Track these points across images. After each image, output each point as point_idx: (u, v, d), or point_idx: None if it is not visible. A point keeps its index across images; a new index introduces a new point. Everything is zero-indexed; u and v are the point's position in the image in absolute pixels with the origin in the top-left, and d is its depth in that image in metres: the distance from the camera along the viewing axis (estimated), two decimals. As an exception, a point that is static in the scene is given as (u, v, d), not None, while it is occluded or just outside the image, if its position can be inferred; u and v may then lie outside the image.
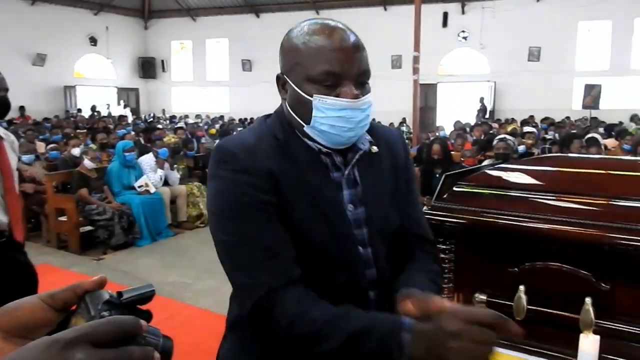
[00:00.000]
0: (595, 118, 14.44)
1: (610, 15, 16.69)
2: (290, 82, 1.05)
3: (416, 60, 7.90)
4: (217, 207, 1.03)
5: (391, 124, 16.57)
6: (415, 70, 7.97)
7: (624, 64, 16.93)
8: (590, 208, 1.36)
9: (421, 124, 15.27)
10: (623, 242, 1.27)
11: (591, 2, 16.15)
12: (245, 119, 17.28)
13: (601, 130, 10.29)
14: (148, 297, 0.55)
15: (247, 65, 20.00)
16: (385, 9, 18.39)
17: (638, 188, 1.39)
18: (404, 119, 16.13)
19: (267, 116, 1.15)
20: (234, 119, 17.32)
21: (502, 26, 16.96)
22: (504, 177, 1.60)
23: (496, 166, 1.71)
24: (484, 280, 1.55)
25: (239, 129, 13.08)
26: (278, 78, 1.09)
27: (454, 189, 1.60)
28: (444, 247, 1.62)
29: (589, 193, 1.40)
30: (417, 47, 7.93)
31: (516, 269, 1.47)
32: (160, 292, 4.14)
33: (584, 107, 14.95)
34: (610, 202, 1.34)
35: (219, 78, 20.95)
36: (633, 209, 1.30)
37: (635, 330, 1.28)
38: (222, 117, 18.24)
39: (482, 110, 16.69)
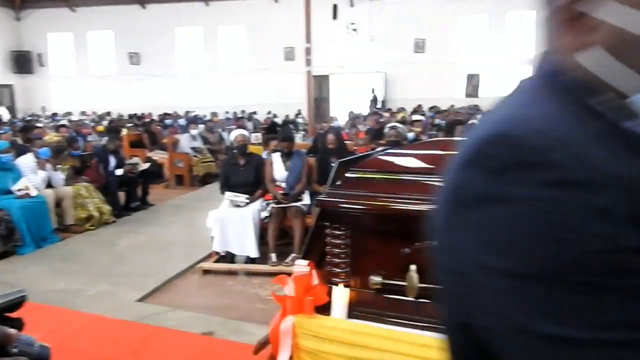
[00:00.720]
0: (477, 106, 15.49)
1: (485, 9, 17.92)
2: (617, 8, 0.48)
3: (308, 51, 7.98)
4: (519, 262, 0.45)
5: (287, 115, 16.66)
6: (308, 62, 8.06)
7: (499, 55, 18.26)
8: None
9: (316, 114, 15.46)
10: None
11: (466, -5, 17.24)
12: (136, 114, 16.52)
13: (480, 116, 11.02)
14: (17, 303, 0.51)
15: (134, 58, 19.07)
16: (276, 1, 18.37)
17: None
18: (300, 110, 16.26)
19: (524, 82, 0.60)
20: (122, 115, 16.49)
21: (389, 19, 17.61)
22: (395, 162, 1.65)
23: (387, 151, 1.77)
24: (379, 263, 1.60)
25: (129, 125, 12.48)
26: (567, 9, 0.51)
27: (347, 175, 1.63)
28: (339, 232, 1.65)
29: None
30: (308, 38, 8.01)
31: (407, 249, 1.52)
32: (47, 300, 3.88)
33: (467, 95, 16.00)
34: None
35: (104, 72, 19.79)
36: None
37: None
38: (109, 113, 17.29)
39: (374, 100, 17.28)
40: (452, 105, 16.11)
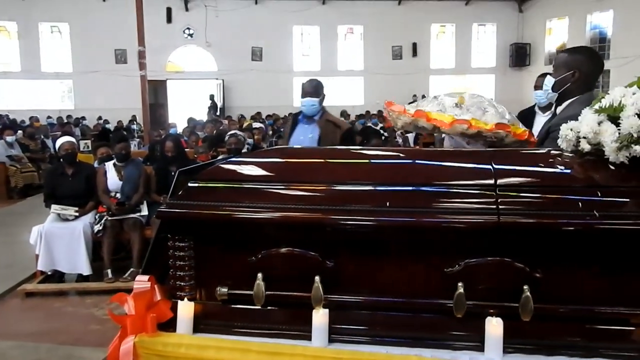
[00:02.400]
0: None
1: (318, 21, 18.76)
2: None
3: (142, 55, 7.61)
4: None
5: (119, 121, 15.69)
6: (142, 66, 7.68)
7: (331, 66, 19.24)
8: (313, 194, 1.49)
9: (152, 121, 14.81)
10: (342, 222, 1.43)
11: (302, 8, 17.88)
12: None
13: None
14: None
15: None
16: (104, 0, 17.23)
17: (352, 173, 1.58)
18: (134, 116, 15.42)
19: None
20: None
21: (225, 25, 17.55)
22: (236, 170, 1.64)
23: (228, 160, 1.75)
24: (225, 273, 1.57)
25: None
26: None
27: (188, 185, 1.58)
28: (182, 244, 1.59)
29: (312, 180, 1.54)
30: (141, 41, 7.63)
31: (253, 258, 1.52)
32: None
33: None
34: (330, 187, 1.49)
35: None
36: (349, 192, 1.48)
37: (357, 299, 1.46)
38: None
39: (213, 107, 17.06)
40: (290, 113, 16.55)
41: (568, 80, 2.23)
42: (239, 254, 1.54)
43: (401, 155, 1.70)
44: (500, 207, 1.35)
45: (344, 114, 17.38)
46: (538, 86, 3.66)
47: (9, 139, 8.88)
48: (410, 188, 1.45)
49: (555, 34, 19.59)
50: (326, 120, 3.66)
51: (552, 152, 1.55)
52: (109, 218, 4.42)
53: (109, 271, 4.32)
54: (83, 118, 16.36)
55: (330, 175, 1.57)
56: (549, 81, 2.30)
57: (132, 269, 4.31)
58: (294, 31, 19.02)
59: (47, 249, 4.27)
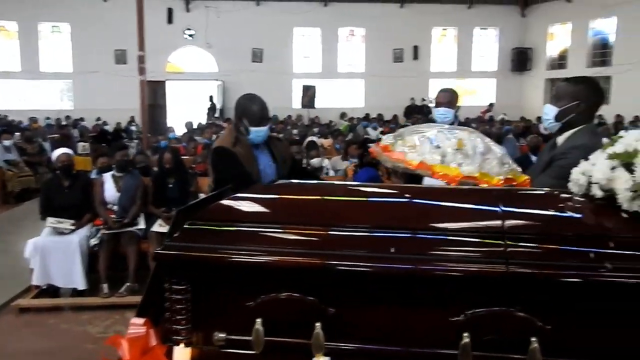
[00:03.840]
0: (317, 117, 16.13)
1: (319, 23, 18.71)
2: None
3: (141, 60, 7.55)
4: None
5: (118, 123, 15.63)
6: (142, 71, 7.62)
7: (332, 68, 19.20)
8: (312, 238, 1.45)
9: (151, 121, 14.77)
10: (341, 267, 1.38)
11: (302, 10, 17.83)
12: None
13: (316, 130, 11.47)
14: None
15: None
16: (105, 0, 17.17)
17: (352, 215, 1.53)
18: (133, 117, 15.38)
19: None
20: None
21: (226, 26, 17.49)
22: (236, 210, 1.59)
23: (231, 196, 1.69)
24: (223, 318, 1.52)
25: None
26: None
27: (186, 226, 1.53)
28: (180, 287, 1.54)
29: (311, 222, 1.49)
30: (141, 46, 7.57)
31: (252, 302, 1.47)
32: None
33: (303, 106, 16.50)
34: (329, 231, 1.44)
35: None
36: (349, 237, 1.43)
37: (359, 346, 1.41)
38: None
39: (212, 108, 17.00)
40: (289, 116, 16.51)
41: (572, 111, 2.24)
42: (237, 298, 1.49)
43: (406, 194, 1.65)
44: (509, 256, 1.30)
45: (344, 116, 17.34)
46: (440, 103, 3.31)
47: (6, 142, 8.82)
48: (414, 234, 1.40)
49: (557, 40, 19.54)
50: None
51: (562, 195, 1.50)
52: (106, 232, 4.37)
53: (105, 286, 4.27)
54: (81, 119, 16.30)
55: (330, 217, 1.52)
56: (551, 110, 2.30)
57: (127, 284, 4.26)
58: (295, 33, 18.96)
59: (42, 264, 4.21)
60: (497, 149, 2.04)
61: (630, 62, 15.91)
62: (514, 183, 1.94)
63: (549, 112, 2.31)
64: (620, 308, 1.28)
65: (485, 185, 1.89)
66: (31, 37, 17.30)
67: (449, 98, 3.30)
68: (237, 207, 1.60)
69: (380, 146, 2.22)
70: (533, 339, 1.29)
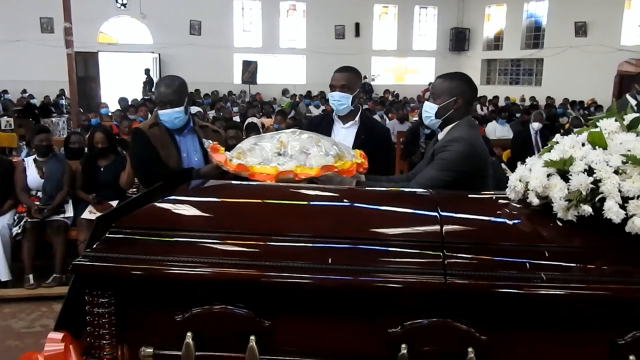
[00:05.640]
0: (258, 93, 15.84)
1: (259, -4, 18.26)
2: None
3: (68, 32, 7.09)
4: None
5: (46, 96, 14.78)
6: (69, 43, 7.15)
7: (273, 43, 18.88)
8: (247, 249, 1.38)
9: (83, 95, 14.05)
10: (278, 279, 1.32)
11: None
12: None
13: (258, 107, 11.25)
14: None
15: None
16: (28, -36, 15.99)
17: (292, 223, 1.46)
18: (62, 90, 14.55)
19: None
20: None
21: (162, -4, 16.78)
22: (163, 216, 1.49)
23: (160, 199, 1.58)
24: (150, 332, 1.43)
25: None
26: None
27: (107, 235, 1.42)
28: (102, 300, 1.43)
29: (246, 231, 1.42)
30: (67, 16, 7.09)
31: (182, 316, 1.39)
32: None
33: (244, 81, 16.18)
34: (267, 242, 1.38)
35: None
36: (286, 247, 1.37)
37: (294, 360, 1.37)
38: None
39: (149, 82, 16.35)
40: (230, 92, 16.14)
41: (451, 107, 2.33)
42: (166, 311, 1.40)
43: (345, 199, 1.60)
44: (447, 268, 1.28)
45: (286, 92, 17.14)
46: (334, 86, 2.79)
47: None
48: (352, 245, 1.36)
49: (494, 21, 20.03)
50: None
51: (500, 200, 1.49)
52: (29, 220, 4.10)
53: (31, 276, 4.03)
54: (5, 92, 15.26)
55: (266, 225, 1.45)
56: (431, 107, 2.37)
57: (55, 275, 4.04)
58: (235, 5, 18.44)
59: (-42, 253, 3.92)
60: (325, 143, 2.09)
61: (560, 46, 16.56)
62: (335, 170, 2.01)
63: (430, 109, 2.38)
64: (554, 319, 1.29)
65: (302, 177, 1.94)
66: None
67: (345, 80, 2.76)
68: (166, 213, 1.50)
69: (211, 147, 2.21)
70: (470, 349, 1.29)
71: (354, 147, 2.44)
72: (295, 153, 2.02)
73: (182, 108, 2.70)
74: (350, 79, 2.77)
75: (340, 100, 2.73)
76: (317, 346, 1.37)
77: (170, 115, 2.68)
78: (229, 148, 2.26)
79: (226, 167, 2.07)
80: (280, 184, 1.90)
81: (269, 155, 2.02)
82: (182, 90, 2.75)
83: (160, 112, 2.72)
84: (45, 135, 4.43)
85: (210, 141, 2.24)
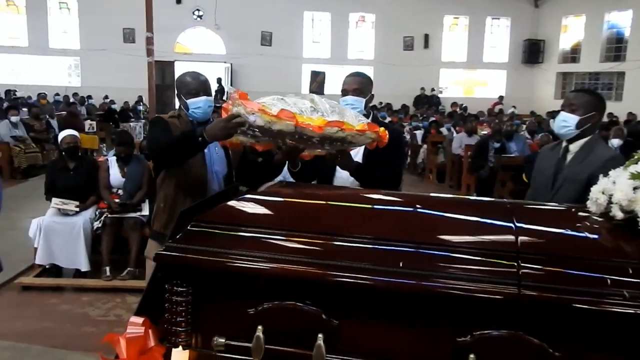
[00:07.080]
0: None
1: (329, 7, 18.48)
2: None
3: (150, 41, 7.46)
4: None
5: (126, 102, 15.58)
6: (150, 52, 7.52)
7: (341, 54, 19.01)
8: (315, 247, 1.41)
9: (160, 102, 14.69)
10: (346, 279, 1.34)
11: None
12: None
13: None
14: None
15: None
16: (113, -23, 16.99)
17: (359, 223, 1.48)
18: (141, 97, 15.31)
19: None
20: None
21: (235, 8, 17.32)
22: (241, 212, 1.55)
23: (237, 198, 1.65)
24: (223, 323, 1.49)
25: None
26: None
27: (188, 228, 1.49)
28: (180, 289, 1.50)
29: (315, 230, 1.45)
30: (150, 27, 7.47)
31: (254, 309, 1.44)
32: None
33: (311, 91, 16.38)
34: (334, 241, 1.41)
35: None
36: (354, 248, 1.39)
37: (360, 361, 1.37)
38: None
39: (220, 91, 16.90)
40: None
41: (590, 121, 2.37)
42: (239, 304, 1.46)
43: (418, 205, 1.60)
44: (521, 279, 1.25)
45: (352, 103, 17.19)
46: (347, 90, 2.86)
47: (14, 119, 8.80)
48: (424, 249, 1.36)
49: (571, 32, 19.26)
50: None
51: (579, 212, 1.44)
52: (109, 215, 4.35)
53: (107, 269, 4.26)
54: (89, 97, 16.24)
55: (335, 225, 1.47)
56: (571, 118, 2.42)
57: (129, 268, 4.25)
58: (305, 17, 18.75)
59: (45, 243, 4.21)
60: (350, 112, 2.10)
61: (644, 59, 15.68)
62: (377, 131, 2.06)
63: (570, 120, 2.39)
64: (636, 340, 1.23)
65: (347, 132, 1.93)
66: (39, 13, 17.18)
67: (358, 84, 2.84)
68: (242, 210, 1.56)
69: (239, 93, 2.09)
70: (538, 363, 1.25)
71: (364, 151, 2.57)
72: (328, 112, 2.00)
73: (212, 98, 2.74)
74: (362, 83, 2.87)
75: (353, 104, 2.75)
76: (382, 350, 1.38)
77: (205, 103, 2.66)
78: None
79: (263, 114, 1.94)
80: (347, 187, 1.92)
81: (307, 108, 1.96)
82: (209, 83, 2.81)
83: (194, 100, 2.66)
84: (123, 148, 4.65)
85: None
